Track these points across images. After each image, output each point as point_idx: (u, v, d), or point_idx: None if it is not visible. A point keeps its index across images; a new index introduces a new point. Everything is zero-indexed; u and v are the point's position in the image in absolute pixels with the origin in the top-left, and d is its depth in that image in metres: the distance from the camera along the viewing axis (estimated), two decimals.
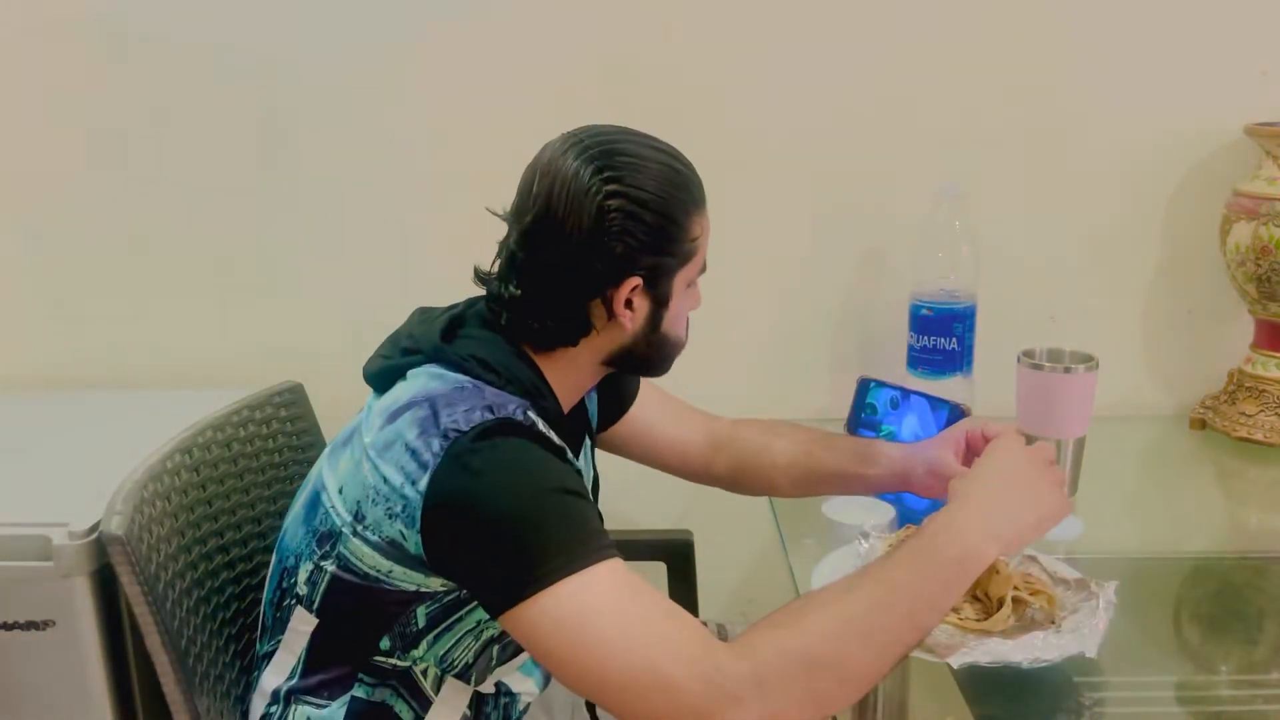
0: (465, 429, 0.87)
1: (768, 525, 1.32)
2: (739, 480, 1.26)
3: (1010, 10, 1.50)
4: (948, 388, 1.45)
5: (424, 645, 0.97)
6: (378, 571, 0.92)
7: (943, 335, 1.46)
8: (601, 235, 0.93)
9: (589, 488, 1.12)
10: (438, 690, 1.00)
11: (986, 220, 1.47)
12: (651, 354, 1.02)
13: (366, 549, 0.92)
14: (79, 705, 1.19)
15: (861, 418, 1.48)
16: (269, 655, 1.02)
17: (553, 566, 0.83)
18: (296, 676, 0.99)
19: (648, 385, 1.23)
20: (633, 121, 1.00)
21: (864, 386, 1.49)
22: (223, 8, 1.51)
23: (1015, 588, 0.97)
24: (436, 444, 0.87)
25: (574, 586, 0.82)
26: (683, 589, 1.43)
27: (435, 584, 0.92)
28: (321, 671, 0.98)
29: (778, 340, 1.62)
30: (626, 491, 1.31)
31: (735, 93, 1.53)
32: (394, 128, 1.54)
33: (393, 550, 0.90)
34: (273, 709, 1.00)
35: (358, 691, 0.98)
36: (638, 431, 1.23)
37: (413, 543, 0.88)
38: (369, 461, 0.91)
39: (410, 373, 0.96)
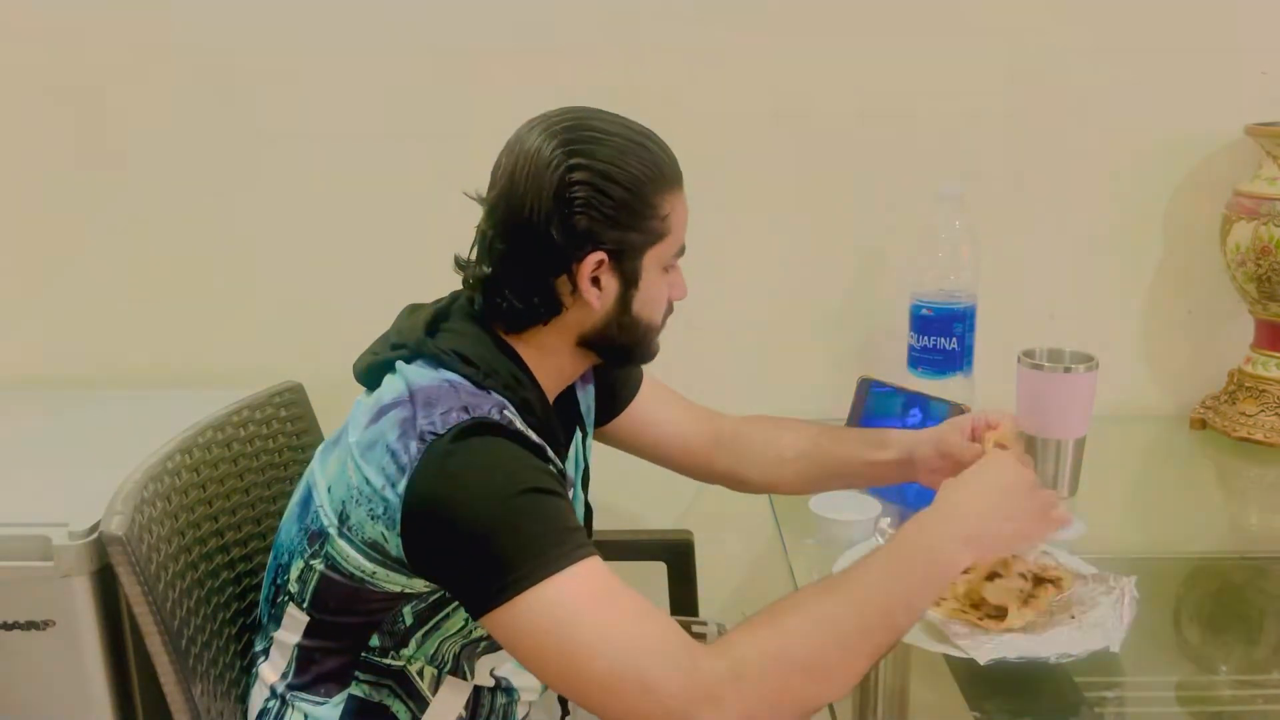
0: (442, 431, 0.87)
1: (768, 525, 1.32)
2: (741, 476, 1.25)
3: (1011, 10, 1.51)
4: (948, 388, 1.44)
5: (414, 644, 0.97)
6: (362, 573, 0.92)
7: (943, 335, 1.45)
8: (562, 207, 0.92)
9: (580, 479, 1.12)
10: (435, 690, 1.00)
11: (986, 220, 1.47)
12: (625, 337, 1.01)
13: (351, 551, 0.92)
14: (79, 705, 1.19)
15: (862, 418, 1.48)
16: (265, 651, 1.03)
17: (529, 569, 0.83)
18: (292, 673, 1.00)
19: (650, 380, 1.23)
20: (631, 117, 1.00)
21: (864, 386, 1.49)
22: (217, 9, 1.51)
23: (1022, 575, 0.99)
24: (414, 447, 0.87)
25: (551, 589, 0.83)
26: (683, 589, 1.43)
27: (419, 585, 0.92)
28: (315, 667, 0.99)
29: (778, 340, 1.62)
30: (626, 491, 1.32)
31: (736, 92, 1.53)
32: (393, 129, 1.54)
33: (375, 553, 0.91)
34: (270, 704, 1.01)
35: (355, 690, 0.98)
36: (640, 425, 1.22)
37: (394, 545, 0.89)
38: (353, 461, 0.91)
39: (398, 366, 0.96)
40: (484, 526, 0.85)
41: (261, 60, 1.53)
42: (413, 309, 1.04)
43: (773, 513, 1.32)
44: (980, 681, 0.93)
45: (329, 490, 0.95)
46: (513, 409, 0.93)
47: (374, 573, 0.92)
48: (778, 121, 1.54)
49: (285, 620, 1.00)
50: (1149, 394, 1.63)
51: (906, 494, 1.36)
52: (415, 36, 1.52)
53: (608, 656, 0.82)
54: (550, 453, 0.93)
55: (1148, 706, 0.98)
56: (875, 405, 1.46)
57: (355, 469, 0.91)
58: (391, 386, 0.94)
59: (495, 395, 0.93)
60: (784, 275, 1.60)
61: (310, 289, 1.61)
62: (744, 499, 1.30)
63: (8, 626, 1.17)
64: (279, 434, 1.27)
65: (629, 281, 0.98)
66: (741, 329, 1.62)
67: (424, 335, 0.97)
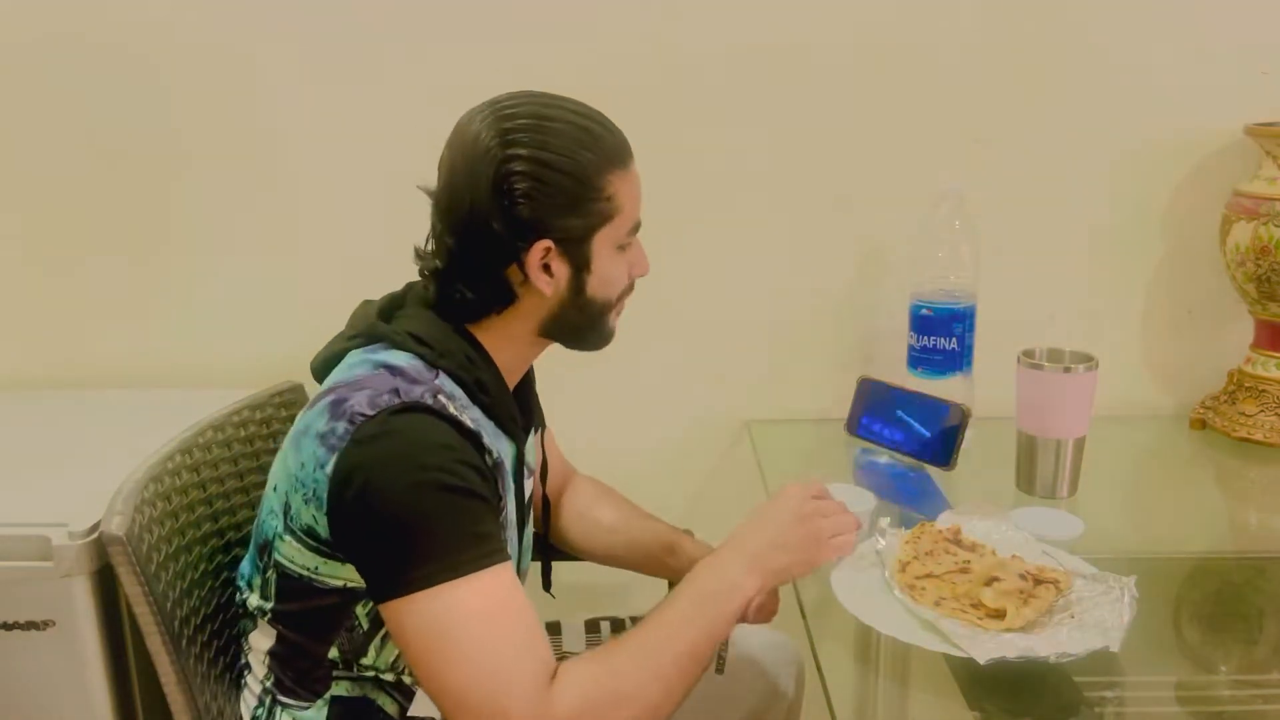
0: (371, 414, 0.88)
1: None
2: (562, 530, 1.25)
3: (1011, 10, 1.51)
4: (948, 388, 1.44)
5: (373, 651, 0.97)
6: (307, 570, 0.93)
7: (943, 335, 1.45)
8: (502, 199, 0.92)
9: (538, 472, 1.12)
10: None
11: (986, 220, 1.47)
12: (581, 319, 1.00)
13: (296, 545, 0.93)
14: (79, 705, 1.19)
15: (862, 418, 1.48)
16: (248, 658, 1.03)
17: (431, 570, 0.85)
18: (273, 680, 1.00)
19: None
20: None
21: (864, 386, 1.49)
22: (221, 11, 1.51)
23: (1022, 576, 0.99)
24: (342, 428, 0.88)
25: (445, 594, 0.85)
26: None
27: (359, 576, 0.92)
28: (292, 673, 0.99)
29: (778, 340, 1.62)
30: (626, 491, 1.31)
31: (736, 92, 1.53)
32: (392, 130, 1.54)
33: (312, 540, 0.92)
34: (259, 712, 1.01)
35: (338, 690, 0.98)
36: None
37: (323, 526, 0.90)
38: (290, 450, 0.93)
39: (347, 356, 0.97)
40: (398, 517, 0.86)
41: (263, 59, 1.53)
42: (367, 302, 1.05)
43: None
44: (980, 681, 0.93)
45: (274, 489, 0.96)
46: (448, 395, 0.92)
47: (316, 567, 0.93)
48: (778, 120, 1.54)
49: (255, 634, 1.01)
50: (1149, 394, 1.63)
51: (906, 492, 1.36)
52: (410, 33, 1.52)
53: (472, 674, 0.85)
54: (486, 439, 0.93)
55: (1147, 706, 0.98)
56: (875, 405, 1.47)
57: (293, 456, 0.92)
58: (333, 376, 0.95)
59: (440, 379, 0.93)
60: (784, 275, 1.60)
61: (311, 289, 1.60)
62: (743, 499, 1.30)
63: (8, 626, 1.17)
64: (279, 434, 1.27)
65: (580, 266, 0.97)
66: (742, 329, 1.62)
67: (377, 321, 0.98)
